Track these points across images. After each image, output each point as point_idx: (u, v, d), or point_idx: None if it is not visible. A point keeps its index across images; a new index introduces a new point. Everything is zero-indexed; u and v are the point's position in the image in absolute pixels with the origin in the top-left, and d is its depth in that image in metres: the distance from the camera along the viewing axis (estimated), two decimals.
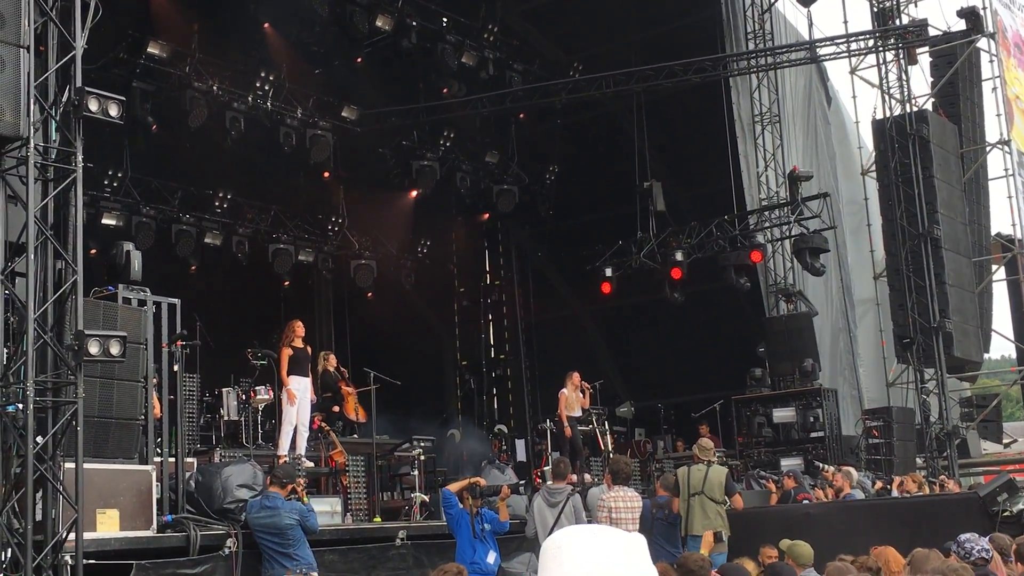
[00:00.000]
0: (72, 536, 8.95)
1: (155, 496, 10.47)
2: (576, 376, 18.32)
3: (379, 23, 20.90)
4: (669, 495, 13.71)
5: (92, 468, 9.50)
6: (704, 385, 22.70)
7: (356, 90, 23.31)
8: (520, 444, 22.05)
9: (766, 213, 22.02)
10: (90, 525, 9.48)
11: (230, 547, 10.58)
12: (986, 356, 26.55)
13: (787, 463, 19.20)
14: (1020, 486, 13.42)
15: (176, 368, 11.71)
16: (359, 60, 22.83)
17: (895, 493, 16.70)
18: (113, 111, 9.55)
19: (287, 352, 15.22)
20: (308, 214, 23.93)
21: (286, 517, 10.58)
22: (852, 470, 16.72)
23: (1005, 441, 24.77)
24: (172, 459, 11.57)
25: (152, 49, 19.02)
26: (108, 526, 9.82)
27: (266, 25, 20.76)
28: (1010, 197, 25.24)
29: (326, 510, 12.48)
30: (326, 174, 23.22)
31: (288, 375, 15.12)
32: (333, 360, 17.92)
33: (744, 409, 20.92)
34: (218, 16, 20.23)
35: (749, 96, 22.48)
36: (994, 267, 25.92)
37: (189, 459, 12.40)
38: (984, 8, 25.26)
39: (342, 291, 25.35)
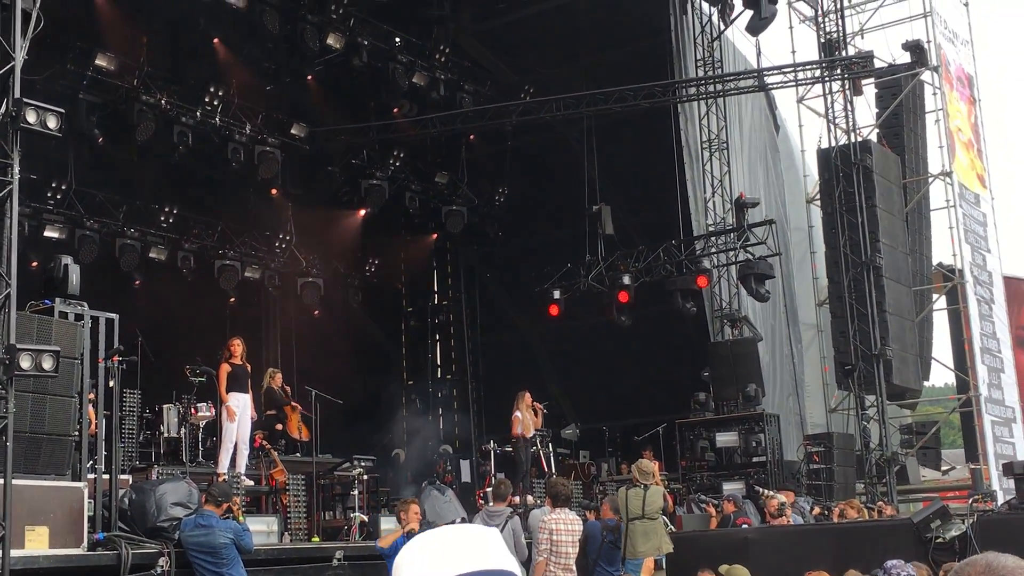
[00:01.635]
0: None
1: (87, 513, 10.33)
2: (527, 396, 18.38)
3: (330, 41, 20.91)
4: (618, 518, 13.74)
5: (22, 484, 9.37)
6: (649, 408, 22.82)
7: (306, 108, 23.29)
8: (465, 465, 21.98)
9: (713, 239, 22.19)
10: (18, 542, 9.34)
11: (162, 566, 10.46)
12: (926, 384, 26.91)
13: (729, 487, 19.31)
14: (953, 513, 13.59)
15: (112, 383, 11.58)
16: (310, 78, 22.80)
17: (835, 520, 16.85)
18: (52, 123, 9.48)
19: (225, 369, 15.10)
20: (255, 231, 23.83)
21: (220, 536, 10.49)
22: (788, 494, 16.84)
23: (944, 468, 25.07)
24: (107, 476, 11.43)
25: (100, 61, 18.90)
26: (37, 543, 9.67)
27: (216, 40, 20.70)
28: (951, 228, 25.62)
29: (262, 529, 12.38)
30: (274, 191, 23.16)
31: (227, 392, 14.99)
32: (279, 378, 17.79)
33: (688, 433, 21.01)
34: (168, 30, 20.14)
35: (697, 122, 22.68)
36: (935, 296, 26.28)
37: (125, 476, 12.25)
38: (928, 42, 25.71)
39: (289, 309, 25.23)
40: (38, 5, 9.76)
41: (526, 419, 18.27)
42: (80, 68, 18.87)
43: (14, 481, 9.01)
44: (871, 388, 21.46)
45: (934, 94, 26.11)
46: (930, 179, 25.94)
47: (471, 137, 25.23)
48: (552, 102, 21.83)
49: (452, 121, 22.85)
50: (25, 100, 9.32)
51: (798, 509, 17.03)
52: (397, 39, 22.74)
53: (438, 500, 15.19)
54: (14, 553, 9.00)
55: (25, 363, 8.90)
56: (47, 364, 9.03)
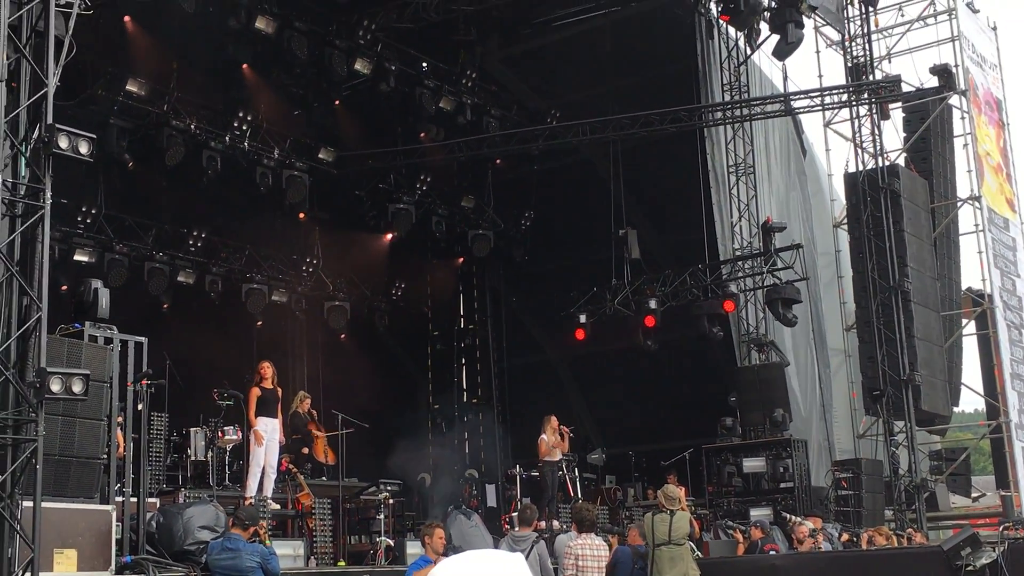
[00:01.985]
0: None
1: (115, 536, 10.37)
2: (554, 420, 18.39)
3: (358, 66, 21.04)
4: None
5: (51, 507, 9.41)
6: (675, 433, 22.71)
7: (334, 132, 23.42)
8: (491, 489, 21.95)
9: (739, 263, 22.14)
10: (47, 565, 9.38)
11: None
12: (956, 410, 26.67)
13: (756, 513, 19.19)
14: (984, 541, 13.45)
15: (141, 407, 11.64)
16: (337, 103, 22.92)
17: (863, 547, 16.71)
18: (83, 149, 9.57)
19: (255, 393, 15.15)
20: (282, 254, 23.94)
21: (247, 559, 10.48)
22: (815, 520, 16.72)
23: (974, 495, 24.83)
24: (134, 499, 11.47)
25: (131, 87, 19.09)
26: (66, 566, 9.71)
27: (245, 66, 20.85)
28: (980, 252, 25.46)
29: (289, 553, 12.40)
30: (302, 215, 23.26)
31: (256, 416, 15.04)
32: (307, 403, 17.84)
33: (714, 458, 20.91)
34: (197, 55, 20.31)
35: (724, 146, 22.67)
36: (964, 321, 26.09)
37: (152, 499, 12.29)
38: (956, 66, 25.64)
39: (315, 332, 25.30)
40: (70, 32, 9.87)
41: (552, 442, 18.30)
42: (111, 93, 19.05)
43: (43, 504, 9.05)
44: (900, 414, 21.29)
45: (962, 118, 26.00)
46: (959, 203, 25.80)
47: (497, 161, 25.30)
48: (578, 126, 21.88)
49: (479, 145, 22.93)
50: (58, 126, 9.41)
51: (826, 535, 16.90)
52: (424, 64, 22.87)
53: (464, 525, 15.16)
54: None
55: (55, 386, 8.95)
56: (77, 387, 9.08)
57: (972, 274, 26.25)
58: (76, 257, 19.61)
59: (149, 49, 19.47)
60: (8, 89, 9.16)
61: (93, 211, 19.88)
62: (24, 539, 8.87)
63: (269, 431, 15.26)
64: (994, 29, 28.32)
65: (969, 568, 12.30)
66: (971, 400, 28.89)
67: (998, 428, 24.97)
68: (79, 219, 19.71)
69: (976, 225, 25.62)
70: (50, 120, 9.45)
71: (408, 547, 14.01)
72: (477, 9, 21.34)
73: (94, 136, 9.81)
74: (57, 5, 9.73)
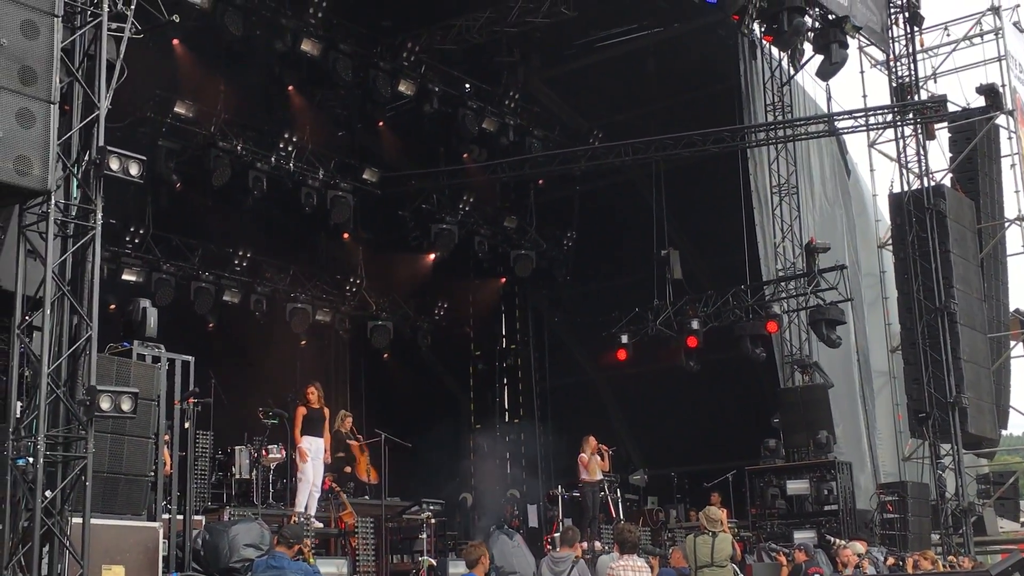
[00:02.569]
0: None
1: (161, 553, 10.47)
2: (592, 440, 18.47)
3: (402, 88, 21.22)
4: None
5: (99, 524, 9.53)
6: (718, 455, 22.58)
7: (378, 153, 23.60)
8: (532, 509, 21.94)
9: (783, 284, 22.04)
10: None
11: None
12: (1004, 432, 26.34)
13: (800, 536, 19.03)
14: None
15: (187, 425, 11.77)
16: (381, 123, 23.11)
17: (909, 572, 16.54)
18: (134, 170, 9.71)
19: (301, 411, 15.28)
20: (327, 274, 24.12)
21: None
22: (860, 544, 16.57)
23: (1022, 519, 24.49)
24: (180, 516, 11.58)
25: (179, 109, 19.34)
26: None
27: (290, 87, 21.08)
28: None
29: (332, 572, 12.47)
30: (346, 235, 23.43)
31: (301, 435, 15.17)
32: (349, 422, 17.96)
33: (757, 480, 20.78)
34: (244, 78, 20.56)
35: (767, 167, 22.60)
36: (1012, 343, 25.79)
37: (198, 517, 12.40)
38: (1003, 85, 25.44)
39: (358, 352, 25.44)
40: (122, 56, 10.05)
41: (592, 463, 18.34)
42: (159, 115, 19.31)
43: (92, 520, 9.17)
44: (946, 436, 21.09)
45: (1009, 138, 25.79)
46: (1006, 224, 25.55)
47: (540, 182, 25.34)
48: (621, 147, 21.89)
49: (521, 166, 23.01)
50: (109, 148, 9.57)
51: (872, 560, 16.73)
52: (467, 85, 23.00)
53: (506, 545, 15.18)
54: None
55: (104, 404, 9.08)
56: (126, 406, 9.21)
57: (1020, 295, 26.06)
58: (124, 276, 19.85)
59: (197, 71, 19.74)
60: (61, 112, 9.32)
61: (141, 231, 20.13)
62: (73, 555, 8.98)
63: (314, 450, 15.39)
64: None
65: None
66: (1019, 422, 28.59)
67: None
68: (127, 239, 19.96)
69: None
70: (101, 142, 9.61)
71: (451, 567, 14.04)
72: (520, 30, 21.43)
73: (144, 158, 9.95)
74: (109, 30, 9.90)
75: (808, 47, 21.85)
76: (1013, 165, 25.68)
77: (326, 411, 15.84)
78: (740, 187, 22.12)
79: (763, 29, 21.49)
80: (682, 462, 24.00)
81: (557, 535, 15.91)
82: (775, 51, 22.47)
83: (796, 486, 20.28)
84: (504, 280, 27.40)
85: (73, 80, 9.64)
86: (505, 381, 28.56)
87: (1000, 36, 26.08)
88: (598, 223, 25.96)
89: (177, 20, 11.04)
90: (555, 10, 20.47)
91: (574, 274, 26.64)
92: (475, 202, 24.51)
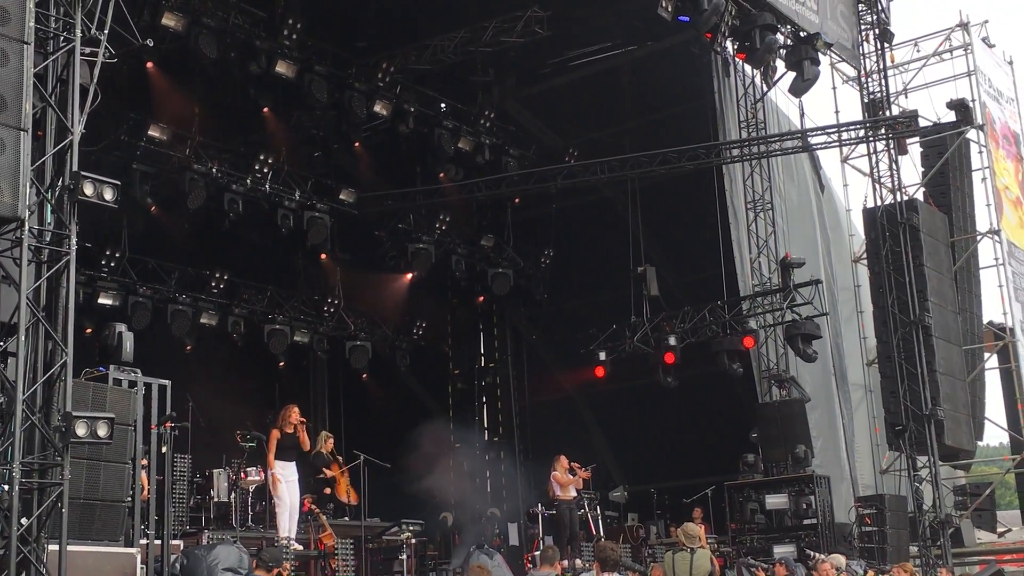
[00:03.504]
0: None
1: None
2: (563, 459, 18.49)
3: (377, 108, 21.30)
4: None
5: (76, 550, 9.48)
6: (697, 470, 22.66)
7: (354, 173, 23.63)
8: (512, 528, 21.92)
9: (759, 299, 22.14)
10: None
11: None
12: (980, 444, 26.50)
13: (780, 550, 19.09)
14: None
15: (165, 449, 11.74)
16: (357, 144, 23.15)
17: None
18: (108, 195, 9.72)
19: (275, 435, 15.23)
20: (304, 295, 24.10)
21: None
22: (840, 557, 16.61)
23: (999, 530, 24.64)
24: (158, 541, 11.54)
25: (152, 132, 19.33)
26: None
27: (265, 109, 21.11)
28: (1001, 286, 25.41)
29: None
30: (323, 256, 23.45)
31: (275, 459, 15.11)
32: (330, 443, 17.91)
33: (736, 495, 20.83)
34: (219, 100, 20.58)
35: (742, 183, 22.73)
36: (986, 355, 25.98)
37: (176, 541, 12.36)
38: (973, 100, 25.69)
39: (337, 372, 25.40)
40: (95, 80, 10.05)
41: (563, 480, 18.39)
42: (133, 139, 19.31)
43: (69, 547, 9.13)
44: (923, 449, 21.19)
45: (980, 152, 26.02)
46: (978, 237, 25.76)
47: (516, 200, 25.43)
48: (596, 165, 22.00)
49: (497, 185, 23.09)
50: (83, 173, 9.57)
51: (850, 573, 16.78)
52: (443, 105, 23.11)
53: (487, 564, 15.15)
54: None
55: (81, 430, 9.06)
56: (102, 431, 9.18)
57: (993, 308, 26.21)
58: (100, 300, 19.78)
59: (171, 95, 19.75)
60: (34, 137, 9.32)
61: (117, 254, 20.08)
62: None
63: (287, 475, 15.32)
64: (1010, 63, 28.40)
65: None
66: (995, 434, 28.75)
67: (1023, 462, 24.79)
68: (103, 262, 19.90)
69: (996, 259, 25.59)
70: (75, 168, 9.61)
71: None
72: (495, 50, 21.54)
73: (118, 183, 9.96)
74: (82, 54, 9.91)
75: (780, 64, 22.02)
76: (984, 179, 25.90)
77: (302, 436, 15.66)
78: (715, 203, 22.24)
79: (736, 47, 21.65)
80: (662, 478, 24.04)
81: (538, 554, 15.91)
82: (748, 68, 22.63)
83: (775, 500, 20.32)
84: (482, 299, 27.45)
85: (46, 106, 9.64)
86: (484, 400, 28.57)
87: (969, 51, 26.35)
88: (575, 241, 26.05)
89: (151, 44, 11.06)
90: (529, 30, 20.59)
91: (551, 292, 26.71)
92: (452, 221, 24.58)
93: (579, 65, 24.37)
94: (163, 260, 21.31)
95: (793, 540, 19.72)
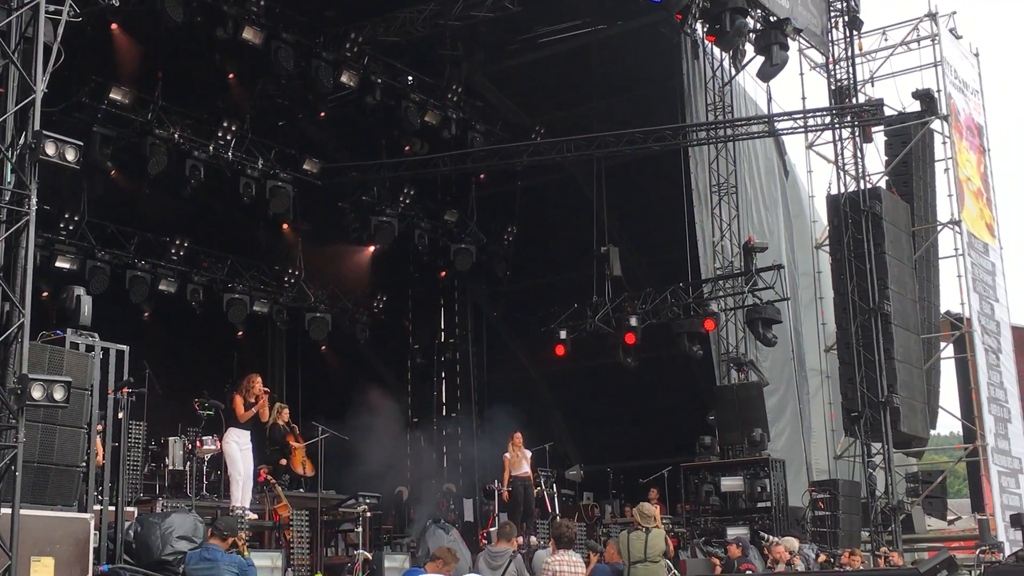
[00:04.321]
0: None
1: (92, 545, 10.29)
2: (518, 436, 18.62)
3: (344, 79, 21.07)
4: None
5: (29, 515, 9.34)
6: (653, 451, 22.75)
7: (318, 144, 23.43)
8: (468, 504, 21.96)
9: (720, 282, 22.22)
10: (24, 573, 9.30)
11: None
12: (933, 432, 26.81)
13: (733, 532, 19.22)
14: (960, 563, 13.52)
15: (121, 415, 11.60)
16: (323, 114, 22.94)
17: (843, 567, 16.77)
18: (70, 156, 9.54)
19: (240, 400, 15.07)
20: (265, 265, 23.90)
21: (224, 570, 10.45)
22: (793, 540, 16.77)
23: (949, 518, 24.96)
24: (112, 508, 11.41)
25: (115, 95, 19.05)
26: (43, 574, 9.64)
27: (231, 76, 20.85)
28: (959, 276, 25.63)
29: (267, 565, 12.36)
30: (285, 226, 23.26)
31: (232, 427, 14.97)
32: (286, 414, 17.78)
33: (692, 476, 20.94)
34: (183, 65, 20.29)
35: (707, 166, 22.77)
36: (942, 344, 26.25)
37: (130, 508, 12.22)
38: (939, 91, 25.85)
39: (296, 344, 25.25)
40: (59, 39, 9.86)
41: (515, 458, 18.46)
42: (95, 101, 19.01)
43: (21, 511, 9.00)
44: (878, 435, 21.40)
45: (944, 143, 26.21)
46: (939, 227, 25.97)
47: (481, 176, 25.33)
48: (562, 143, 21.95)
49: (463, 160, 22.98)
50: (45, 133, 9.39)
51: (803, 556, 16.94)
52: (410, 78, 22.93)
53: (442, 539, 15.16)
54: None
55: (36, 393, 8.92)
56: (58, 395, 9.05)
57: (951, 298, 26.46)
58: (58, 264, 19.53)
59: (135, 57, 19.47)
60: None
61: (76, 218, 19.82)
62: (2, 546, 8.81)
63: (243, 443, 15.20)
64: (976, 55, 28.59)
65: None
66: (948, 423, 29.07)
67: (974, 452, 25.11)
68: (62, 226, 19.64)
69: (956, 249, 25.81)
70: (37, 126, 9.43)
71: (386, 560, 14.00)
72: (464, 24, 21.40)
73: (80, 143, 9.78)
74: (47, 12, 9.72)
75: (749, 48, 22.03)
76: (947, 169, 26.10)
77: (260, 406, 15.56)
78: (680, 186, 22.27)
79: (705, 29, 21.65)
80: (618, 458, 24.11)
81: (494, 529, 15.94)
82: (717, 51, 22.64)
83: (730, 483, 20.45)
84: (444, 274, 27.36)
85: (8, 62, 9.45)
86: (443, 375, 28.54)
87: (937, 42, 26.49)
88: (539, 219, 26.02)
89: (117, 3, 10.88)
90: (499, 5, 20.47)
91: (514, 269, 26.66)
92: (416, 195, 24.46)
93: (548, 43, 24.25)
94: (123, 225, 21.06)
95: (747, 522, 19.87)
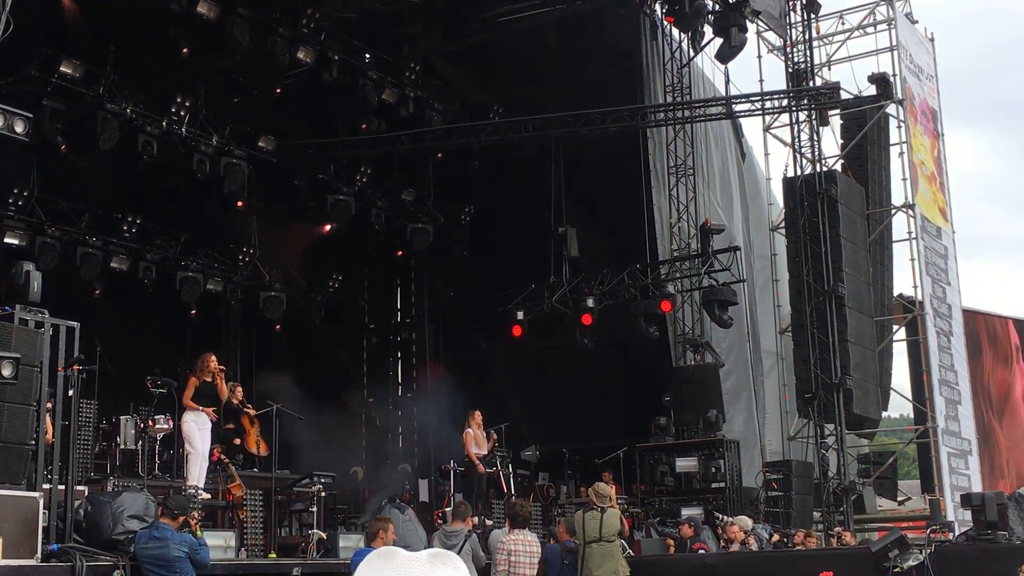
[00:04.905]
0: None
1: (41, 524, 10.16)
2: (478, 414, 18.51)
3: (301, 55, 20.81)
4: (576, 541, 13.72)
5: None
6: (609, 432, 22.82)
7: (274, 121, 23.16)
8: (423, 484, 21.93)
9: (677, 264, 22.28)
10: None
11: None
12: (884, 414, 27.07)
13: (687, 512, 19.34)
14: (911, 543, 13.66)
15: (71, 393, 11.42)
16: (279, 91, 22.68)
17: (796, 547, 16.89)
18: (19, 127, 9.38)
19: (193, 382, 14.95)
20: (219, 242, 23.64)
21: (175, 549, 10.34)
22: (747, 519, 16.88)
23: (900, 499, 25.20)
24: (62, 486, 11.24)
25: (65, 68, 18.68)
26: None
27: (185, 51, 20.54)
28: (912, 260, 25.83)
29: (220, 544, 12.23)
30: (239, 203, 22.99)
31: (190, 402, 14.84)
32: (239, 393, 17.67)
33: (647, 457, 21.04)
34: (136, 38, 19.97)
35: (665, 148, 22.79)
36: (895, 327, 26.48)
37: (80, 487, 12.07)
38: (894, 75, 25.99)
39: (250, 322, 25.03)
40: (7, 8, 9.66)
41: (477, 436, 18.40)
42: (44, 74, 18.65)
43: None
44: (831, 417, 21.55)
45: (898, 127, 26.38)
46: (893, 211, 26.17)
47: (439, 155, 25.19)
48: (520, 123, 21.89)
49: (420, 139, 22.83)
50: None
51: (756, 536, 17.06)
52: (367, 55, 22.71)
53: (398, 519, 15.06)
54: None
55: None
56: (6, 371, 8.90)
57: (904, 281, 26.66)
58: (6, 240, 19.18)
59: (86, 30, 19.14)
60: None
61: (25, 193, 19.46)
62: None
63: (200, 422, 15.09)
64: (932, 40, 28.78)
65: (896, 569, 12.48)
66: (898, 405, 29.36)
67: (924, 433, 25.38)
68: (10, 201, 19.29)
69: (909, 233, 26.00)
70: None
71: (341, 540, 13.92)
72: (422, 2, 21.26)
73: (30, 115, 9.62)
74: None
75: (708, 29, 22.05)
76: (901, 153, 26.27)
77: (219, 383, 15.44)
78: (639, 167, 22.28)
79: (664, 10, 21.67)
80: (574, 439, 24.16)
81: (449, 509, 15.91)
82: (676, 32, 22.64)
83: (685, 464, 20.58)
84: (400, 253, 27.24)
85: None
86: (399, 355, 28.45)
87: (893, 27, 26.62)
88: (496, 199, 25.91)
89: None
90: None
91: (471, 249, 26.57)
92: (372, 174, 24.26)
93: (507, 21, 24.13)
94: (74, 201, 20.72)
95: (701, 503, 20.00)
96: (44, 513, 10.30)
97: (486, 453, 18.58)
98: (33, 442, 10.34)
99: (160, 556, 10.35)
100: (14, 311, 10.57)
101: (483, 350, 27.86)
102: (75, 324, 11.30)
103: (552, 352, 24.92)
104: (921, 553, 13.20)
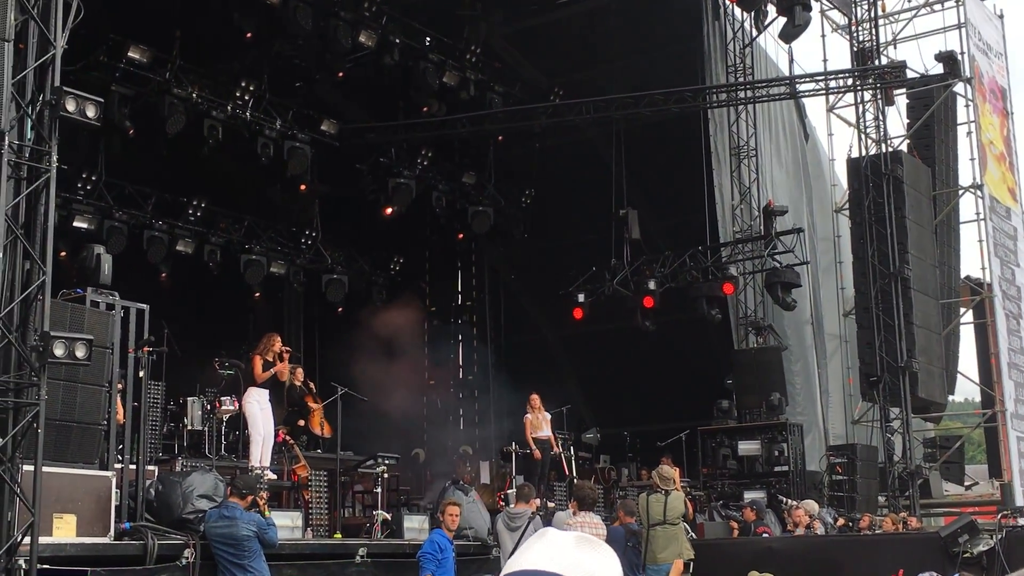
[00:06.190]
0: (27, 540, 8.83)
1: (114, 503, 10.34)
2: (535, 398, 18.53)
3: (362, 39, 20.88)
4: (639, 523, 13.69)
5: (51, 472, 9.38)
6: (671, 415, 22.71)
7: (336, 104, 23.29)
8: (485, 466, 21.96)
9: (740, 246, 22.10)
10: (46, 529, 9.36)
11: (187, 558, 10.46)
12: (951, 398, 26.70)
13: (750, 496, 19.23)
14: (981, 528, 13.47)
15: (142, 374, 11.59)
16: (341, 75, 22.78)
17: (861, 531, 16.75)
18: (90, 112, 9.49)
19: (259, 360, 15.08)
20: (282, 226, 23.85)
21: (243, 528, 10.48)
22: (813, 503, 16.76)
23: (966, 483, 24.89)
24: (133, 466, 11.44)
25: (133, 53, 18.93)
26: (65, 531, 9.69)
27: (249, 35, 20.69)
28: (980, 241, 25.41)
29: (287, 524, 12.37)
30: (302, 187, 23.16)
31: (252, 387, 14.98)
32: (300, 374, 17.79)
33: (709, 440, 20.94)
34: (201, 24, 20.15)
35: (727, 129, 22.58)
36: (962, 310, 26.09)
37: (150, 467, 12.26)
38: (962, 53, 25.54)
39: (313, 305, 25.24)
40: None
41: (534, 420, 18.43)
42: (113, 60, 18.91)
43: (44, 468, 9.02)
44: (896, 400, 21.31)
45: (966, 106, 25.91)
46: (960, 192, 25.74)
47: (499, 138, 25.16)
48: (581, 105, 21.79)
49: (481, 121, 22.83)
50: (65, 89, 9.33)
51: (821, 521, 16.93)
52: (428, 38, 22.72)
53: (462, 501, 15.12)
54: (42, 540, 9.01)
55: (58, 351, 8.91)
56: (80, 352, 9.04)
57: (971, 262, 26.24)
58: (75, 224, 19.49)
59: (153, 16, 19.34)
60: (15, 50, 9.07)
61: (94, 178, 19.77)
62: (24, 503, 8.84)
63: (263, 402, 15.22)
64: (1000, 17, 28.22)
65: (966, 555, 12.32)
66: (965, 389, 28.97)
67: (992, 417, 25.01)
68: (79, 185, 19.59)
69: (977, 214, 25.57)
70: (57, 82, 9.37)
71: (405, 521, 14.02)
72: None
73: (101, 100, 9.74)
74: None
75: (771, 9, 21.80)
76: (969, 133, 25.82)
77: (281, 365, 15.56)
78: (700, 148, 22.10)
79: None
80: (635, 422, 24.07)
81: (512, 491, 15.93)
82: (738, 12, 22.40)
83: (747, 447, 20.46)
84: (461, 236, 27.24)
85: (28, 18, 9.37)
86: (460, 338, 28.50)
87: (960, 4, 26.12)
88: (557, 181, 25.85)
89: None
90: None
91: (531, 232, 26.52)
92: (433, 157, 24.31)
93: (567, 3, 24.02)
94: (140, 185, 21.00)
95: (764, 486, 19.88)
96: (116, 492, 10.48)
97: (542, 438, 18.57)
98: (105, 422, 10.51)
99: (229, 535, 10.49)
100: (86, 293, 10.75)
101: (544, 333, 27.85)
102: (145, 306, 11.47)
103: (613, 335, 24.83)
104: (992, 538, 13.02)
